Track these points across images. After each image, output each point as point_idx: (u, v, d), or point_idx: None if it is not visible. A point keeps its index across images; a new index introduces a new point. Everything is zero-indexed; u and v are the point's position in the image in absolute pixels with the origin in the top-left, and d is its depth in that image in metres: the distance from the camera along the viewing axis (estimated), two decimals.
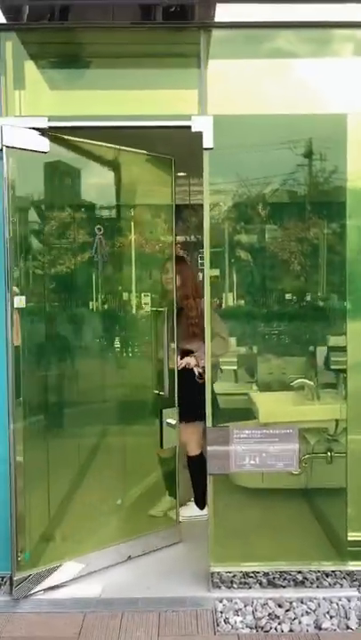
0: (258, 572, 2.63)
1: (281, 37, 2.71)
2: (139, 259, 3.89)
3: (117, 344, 4.40)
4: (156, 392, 2.94)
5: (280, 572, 2.63)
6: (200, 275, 3.63)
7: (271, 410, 3.14)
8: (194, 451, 3.32)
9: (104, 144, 2.84)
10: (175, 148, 2.88)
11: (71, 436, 3.41)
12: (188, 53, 2.69)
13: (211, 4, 2.46)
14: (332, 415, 3.06)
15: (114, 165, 3.31)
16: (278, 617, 2.38)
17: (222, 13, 2.50)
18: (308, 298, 5.10)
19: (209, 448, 2.55)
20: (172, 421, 2.90)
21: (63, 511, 3.10)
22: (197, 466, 3.24)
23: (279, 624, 2.34)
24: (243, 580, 2.61)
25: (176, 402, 2.98)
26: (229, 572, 2.62)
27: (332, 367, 3.71)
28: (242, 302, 5.32)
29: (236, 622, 2.35)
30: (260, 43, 2.71)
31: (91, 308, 4.42)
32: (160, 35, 2.68)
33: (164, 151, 3.03)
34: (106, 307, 4.46)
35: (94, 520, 2.99)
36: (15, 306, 2.48)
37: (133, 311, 3.40)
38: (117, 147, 2.90)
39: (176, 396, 3.00)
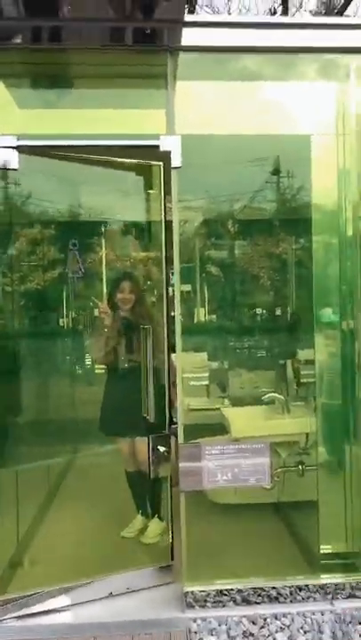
0: (232, 590, 2.61)
1: (247, 60, 2.78)
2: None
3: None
4: (144, 415, 2.75)
5: (254, 588, 2.62)
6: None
7: (243, 425, 3.16)
8: (134, 466, 3.18)
9: (79, 155, 2.77)
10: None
11: (41, 459, 3.33)
12: (156, 75, 2.72)
13: (177, 29, 2.52)
14: (303, 428, 3.10)
15: (92, 177, 3.25)
16: (253, 634, 2.37)
17: (188, 37, 2.56)
18: (278, 312, 5.19)
19: (181, 465, 2.54)
20: (162, 449, 2.73)
21: (33, 540, 2.99)
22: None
23: None
24: (217, 598, 2.59)
25: (167, 426, 2.73)
26: (203, 591, 2.59)
27: (302, 380, 3.77)
28: (213, 317, 5.38)
29: None
30: (226, 65, 2.77)
31: (61, 324, 4.40)
32: (129, 56, 2.71)
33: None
34: (79, 325, 4.43)
35: (70, 549, 2.86)
36: None
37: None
38: (95, 157, 2.83)
39: (168, 419, 2.75)
